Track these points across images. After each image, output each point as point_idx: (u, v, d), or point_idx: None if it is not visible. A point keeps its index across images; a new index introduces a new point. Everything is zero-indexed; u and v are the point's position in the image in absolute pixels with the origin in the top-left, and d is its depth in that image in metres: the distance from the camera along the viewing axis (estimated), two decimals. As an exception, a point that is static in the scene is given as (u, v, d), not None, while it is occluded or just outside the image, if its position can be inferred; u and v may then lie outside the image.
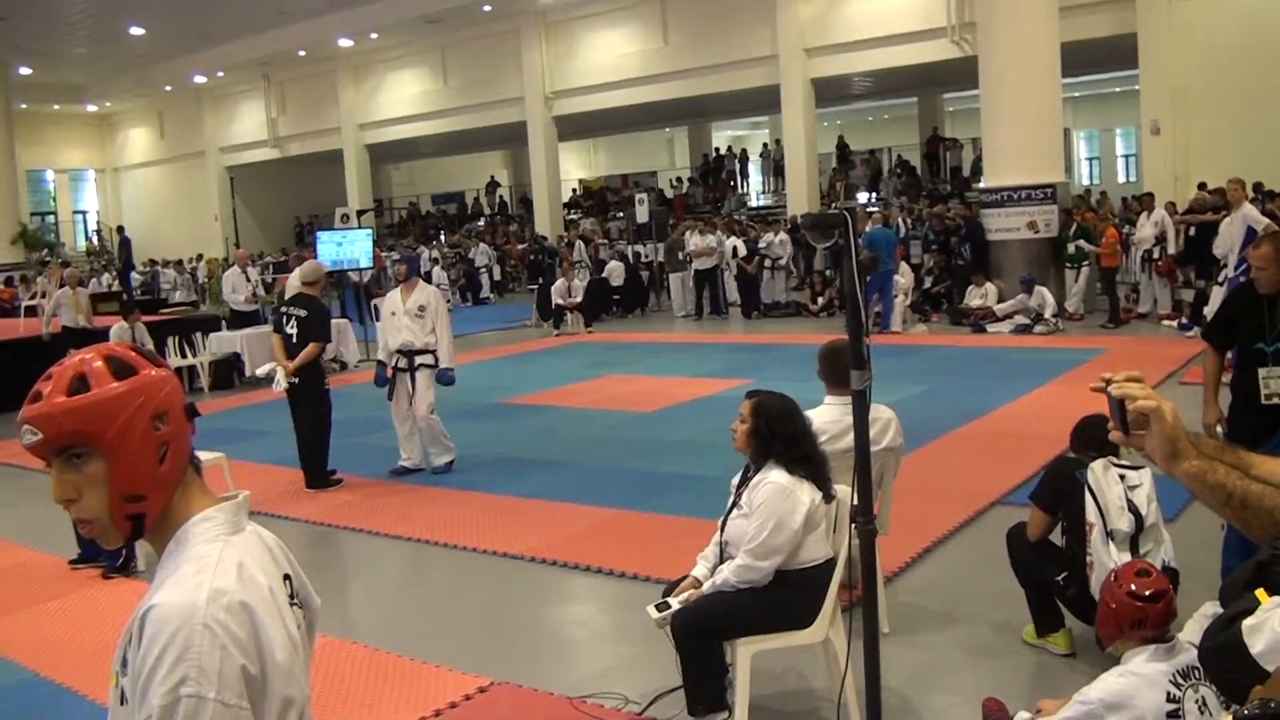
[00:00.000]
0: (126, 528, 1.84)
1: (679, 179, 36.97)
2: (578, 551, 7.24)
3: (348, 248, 19.26)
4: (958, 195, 25.86)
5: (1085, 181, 39.99)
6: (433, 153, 40.41)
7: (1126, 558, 4.72)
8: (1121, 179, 40.07)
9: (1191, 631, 4.22)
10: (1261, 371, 5.46)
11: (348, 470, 9.84)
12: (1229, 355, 5.96)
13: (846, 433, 5.00)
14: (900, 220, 22.99)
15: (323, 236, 19.56)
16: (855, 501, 3.67)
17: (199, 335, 16.44)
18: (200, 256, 32.77)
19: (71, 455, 1.80)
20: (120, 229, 35.75)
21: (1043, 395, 11.61)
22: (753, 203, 35.44)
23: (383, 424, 11.87)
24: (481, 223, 38.27)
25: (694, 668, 4.43)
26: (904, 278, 18.32)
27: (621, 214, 32.77)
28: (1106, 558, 4.74)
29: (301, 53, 34.23)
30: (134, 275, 32.11)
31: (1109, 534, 4.81)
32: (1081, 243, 17.47)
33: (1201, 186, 18.73)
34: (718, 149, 38.24)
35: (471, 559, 7.41)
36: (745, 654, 4.39)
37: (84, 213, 45.53)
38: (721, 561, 4.57)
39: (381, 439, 11.24)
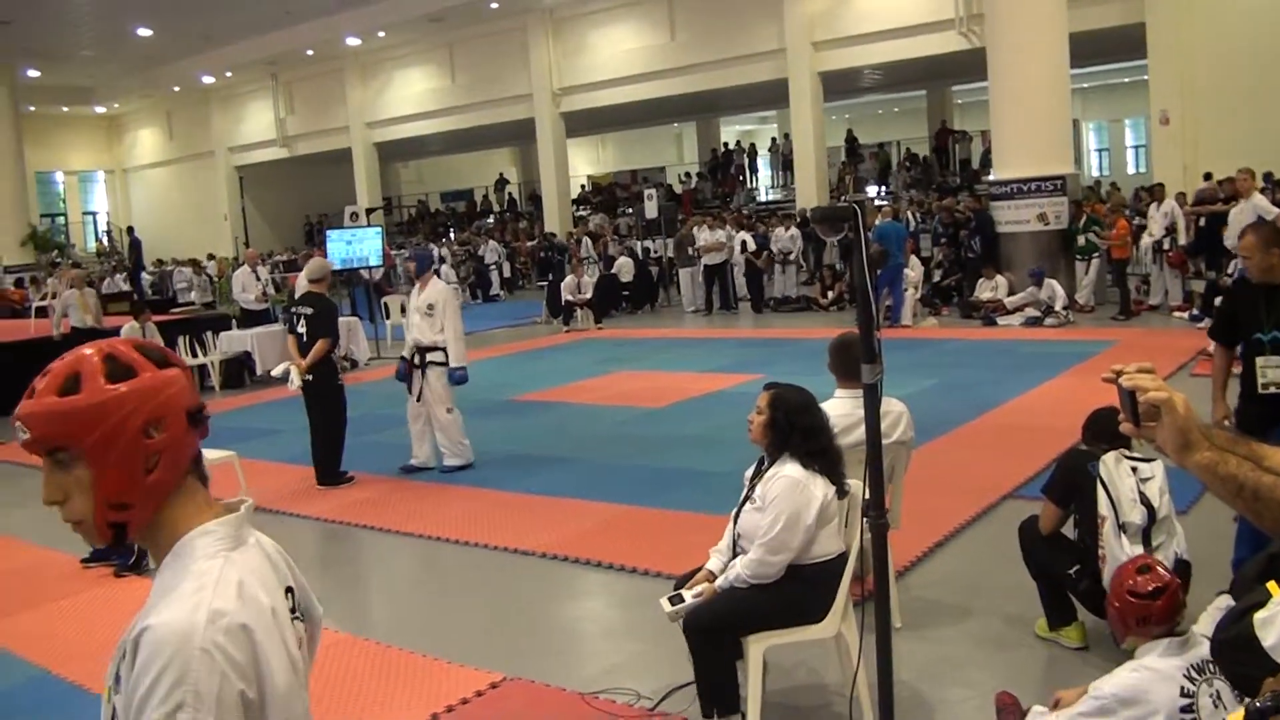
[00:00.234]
0: (108, 534, 1.78)
1: (688, 174, 36.97)
2: (588, 547, 7.24)
3: (357, 246, 19.28)
4: (967, 188, 25.82)
5: (1095, 173, 39.90)
6: (441, 150, 40.45)
7: (1139, 550, 4.70)
8: (1131, 170, 39.94)
9: (1205, 624, 4.20)
10: (1259, 361, 5.47)
11: (359, 468, 9.85)
12: (1239, 349, 5.94)
13: (857, 426, 4.99)
14: (910, 214, 22.95)
15: (332, 235, 19.58)
16: (867, 495, 3.66)
17: (209, 334, 16.46)
18: (211, 256, 32.82)
19: (59, 457, 1.74)
20: (130, 230, 35.86)
21: (1054, 388, 11.58)
22: (762, 197, 35.43)
23: (394, 422, 11.89)
24: (491, 220, 38.30)
25: (706, 669, 4.43)
26: (914, 271, 18.28)
27: (630, 210, 32.77)
28: (1119, 550, 4.73)
29: (309, 52, 34.28)
30: (144, 275, 32.17)
31: (1121, 526, 4.79)
32: (1092, 234, 17.41)
33: (1207, 177, 18.67)
34: (726, 144, 38.22)
35: (482, 555, 7.42)
36: (757, 650, 4.38)
37: (94, 214, 45.68)
38: (734, 555, 4.56)
39: (392, 437, 11.26)
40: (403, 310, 20.60)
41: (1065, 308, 16.63)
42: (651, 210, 25.28)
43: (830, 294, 20.69)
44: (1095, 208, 18.48)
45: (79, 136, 43.62)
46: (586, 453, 10.20)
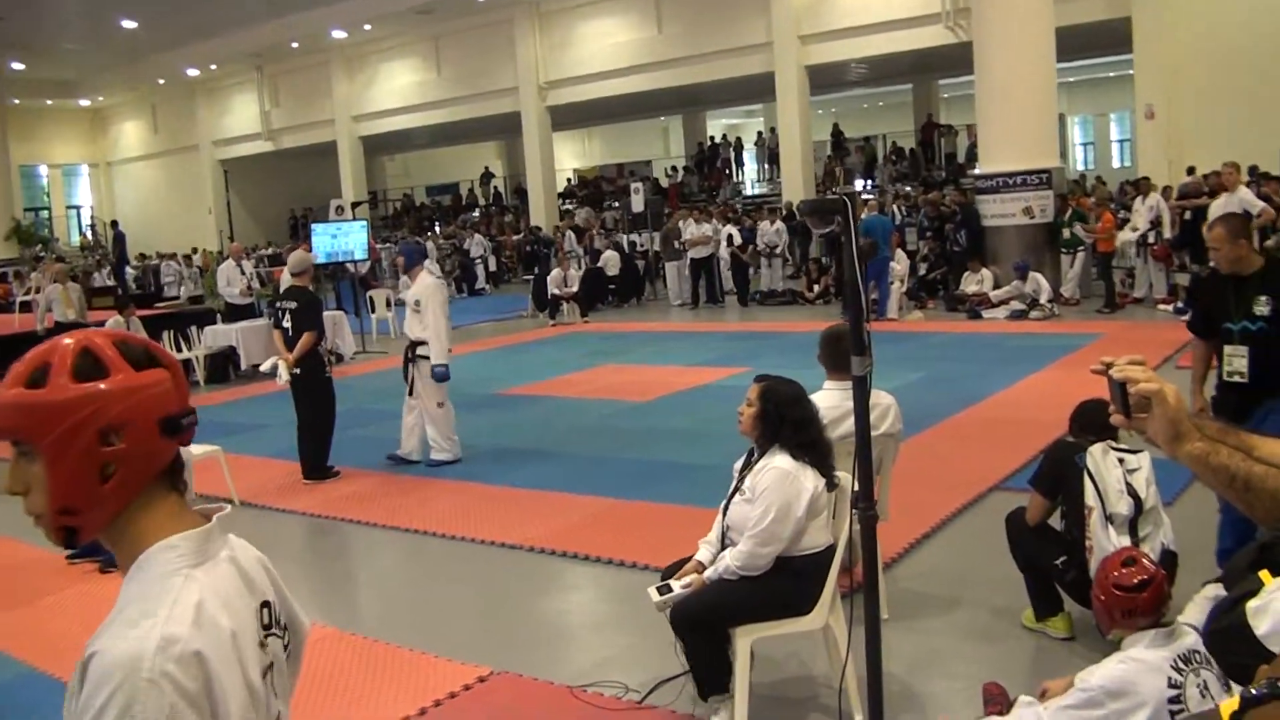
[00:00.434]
0: (60, 536, 1.71)
1: (674, 168, 36.94)
2: (576, 541, 7.24)
3: (343, 240, 19.25)
4: (953, 182, 25.85)
5: (1080, 167, 39.98)
6: (427, 144, 40.35)
7: (1126, 541, 4.72)
8: (1116, 164, 40.03)
9: (1192, 614, 4.21)
10: (1226, 350, 5.56)
11: (345, 463, 9.83)
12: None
13: (846, 418, 5.00)
14: (895, 207, 22.98)
15: (318, 229, 19.53)
16: (856, 487, 3.66)
17: (194, 329, 16.40)
18: (195, 250, 32.71)
19: (23, 448, 1.68)
20: (114, 223, 35.70)
21: (1039, 380, 11.61)
22: (748, 191, 35.41)
23: (380, 416, 11.90)
24: (476, 214, 38.19)
25: (699, 656, 4.45)
26: (900, 264, 18.32)
27: (617, 204, 32.74)
28: (1106, 541, 4.74)
29: (294, 45, 34.10)
30: (128, 270, 32.05)
31: (1108, 518, 4.81)
32: (1077, 228, 17.46)
33: (1191, 171, 18.73)
34: (712, 137, 38.18)
35: (470, 549, 7.41)
36: (744, 642, 4.38)
37: (78, 208, 45.44)
38: (723, 546, 4.57)
39: (378, 431, 11.24)
40: (388, 304, 20.71)
41: (1050, 301, 16.68)
42: (638, 204, 25.26)
43: (816, 287, 20.71)
44: (1080, 201, 18.52)
45: (63, 129, 43.38)
46: (573, 446, 10.20)
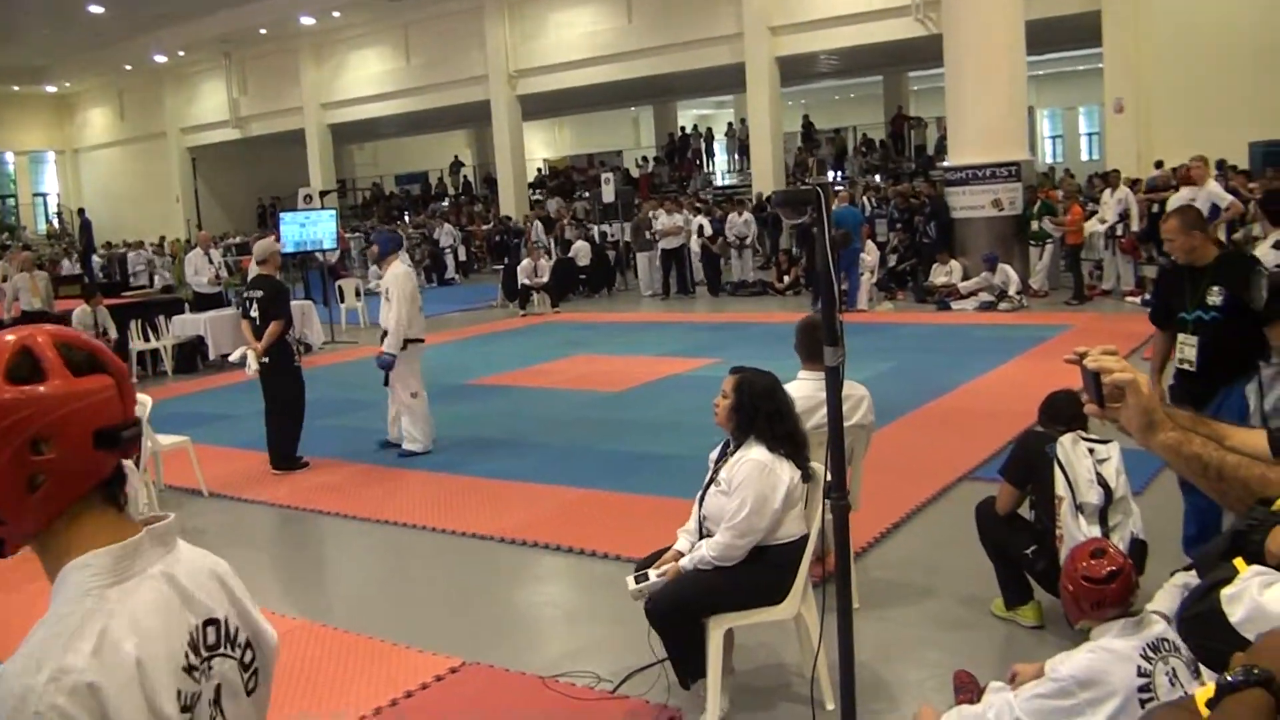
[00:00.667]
0: None
1: (645, 158, 36.91)
2: (548, 532, 7.23)
3: (311, 229, 19.12)
4: (922, 174, 25.94)
5: (1049, 160, 40.19)
6: (396, 133, 40.17)
7: (1096, 531, 4.76)
8: (1085, 157, 40.25)
9: (1161, 602, 4.25)
10: (1179, 338, 5.69)
11: (315, 453, 9.77)
12: None
13: (819, 408, 5.02)
14: (865, 199, 23.05)
15: (286, 218, 19.40)
16: (828, 477, 3.67)
17: (162, 318, 16.27)
18: (163, 239, 32.45)
19: None
20: (81, 211, 35.36)
21: (1008, 371, 11.68)
22: (718, 182, 35.44)
23: (349, 406, 11.87)
24: (446, 203, 38.07)
25: (676, 645, 4.46)
26: (870, 256, 18.37)
27: (587, 194, 32.69)
28: (1076, 531, 4.78)
29: (263, 31, 33.87)
30: (95, 258, 31.76)
31: (1078, 507, 4.84)
32: (1046, 221, 17.55)
33: (1159, 165, 18.86)
34: (683, 128, 38.20)
35: (441, 540, 7.39)
36: (717, 631, 4.39)
37: (45, 195, 45.01)
38: (700, 537, 4.57)
39: (348, 421, 11.22)
40: (357, 294, 20.62)
41: (1019, 292, 16.77)
42: (608, 194, 25.23)
43: (786, 278, 20.75)
44: (1049, 194, 18.62)
45: (29, 116, 42.90)
46: (545, 437, 10.18)
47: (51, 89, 42.06)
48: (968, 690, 4.30)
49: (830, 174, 31.28)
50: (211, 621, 1.68)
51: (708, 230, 22.28)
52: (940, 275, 17.86)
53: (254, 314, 9.45)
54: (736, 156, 35.93)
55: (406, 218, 36.10)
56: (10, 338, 1.60)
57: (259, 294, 9.53)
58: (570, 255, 23.56)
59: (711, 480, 4.57)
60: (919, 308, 17.64)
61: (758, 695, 4.78)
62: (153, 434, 8.49)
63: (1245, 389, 5.50)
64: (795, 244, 21.37)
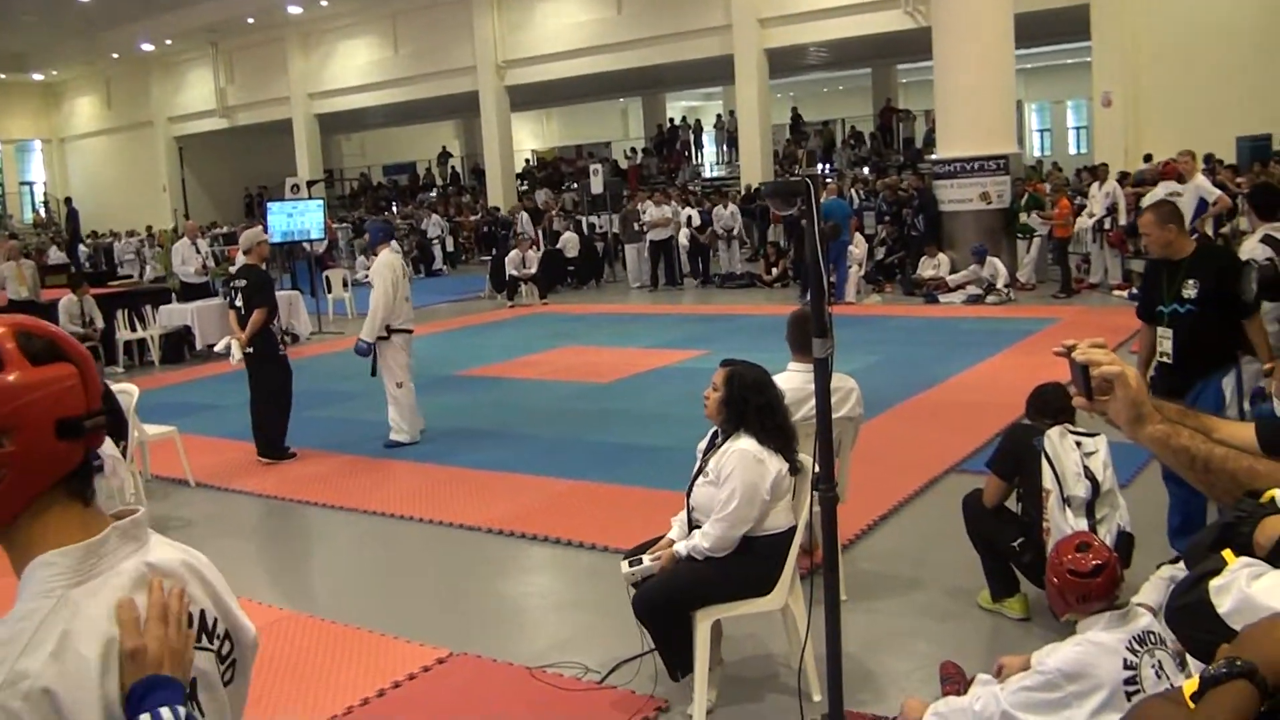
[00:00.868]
0: None
1: (633, 150, 36.87)
2: (536, 523, 7.23)
3: (299, 219, 19.07)
4: (910, 166, 25.96)
5: (1036, 153, 40.25)
6: (384, 123, 40.04)
7: (1083, 524, 4.77)
8: (1073, 150, 40.32)
9: (1148, 595, 4.27)
10: (1158, 332, 5.77)
11: (302, 443, 9.75)
12: None
13: (808, 400, 5.02)
14: (854, 191, 23.06)
15: (273, 208, 19.34)
16: (817, 469, 3.68)
17: (149, 308, 16.22)
18: (150, 228, 32.32)
19: None
20: (68, 200, 35.22)
21: (996, 364, 11.71)
22: (707, 174, 35.43)
23: (337, 397, 11.86)
24: (434, 194, 37.99)
25: (665, 640, 4.46)
26: (858, 248, 18.38)
27: (576, 185, 32.65)
28: (1063, 523, 4.80)
29: (250, 20, 33.73)
30: (81, 248, 31.63)
31: (1065, 500, 4.86)
32: (1035, 215, 17.57)
33: (1148, 159, 18.90)
34: (672, 120, 38.17)
35: (429, 531, 7.38)
36: (704, 623, 4.40)
37: (31, 184, 44.82)
38: (690, 527, 4.58)
39: (335, 412, 11.21)
40: (345, 284, 20.58)
41: (1007, 285, 16.80)
42: (597, 185, 25.20)
43: (774, 270, 20.76)
44: (1037, 187, 18.65)
45: (16, 104, 42.64)
46: (533, 428, 10.18)
47: (38, 77, 41.83)
48: (954, 681, 4.31)
49: (819, 166, 31.27)
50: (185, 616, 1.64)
51: (696, 221, 22.28)
52: (928, 268, 17.89)
53: (239, 303, 9.45)
54: (725, 148, 35.90)
55: (394, 208, 36.01)
56: None
57: (243, 283, 9.53)
58: (558, 247, 23.53)
59: (700, 471, 4.57)
60: (907, 300, 17.67)
61: (745, 686, 4.79)
62: (139, 424, 8.47)
63: (1221, 382, 5.55)
64: (784, 237, 21.38)
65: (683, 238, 22.10)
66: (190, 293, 17.14)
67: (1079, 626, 3.74)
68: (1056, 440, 4.95)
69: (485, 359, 14.25)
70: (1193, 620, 1.72)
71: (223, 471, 9.20)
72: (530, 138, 44.42)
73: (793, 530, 4.49)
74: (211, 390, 13.04)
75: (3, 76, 40.22)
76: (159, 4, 31.50)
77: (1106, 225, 17.08)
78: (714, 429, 4.65)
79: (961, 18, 17.88)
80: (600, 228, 25.51)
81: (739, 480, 4.33)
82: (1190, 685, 1.51)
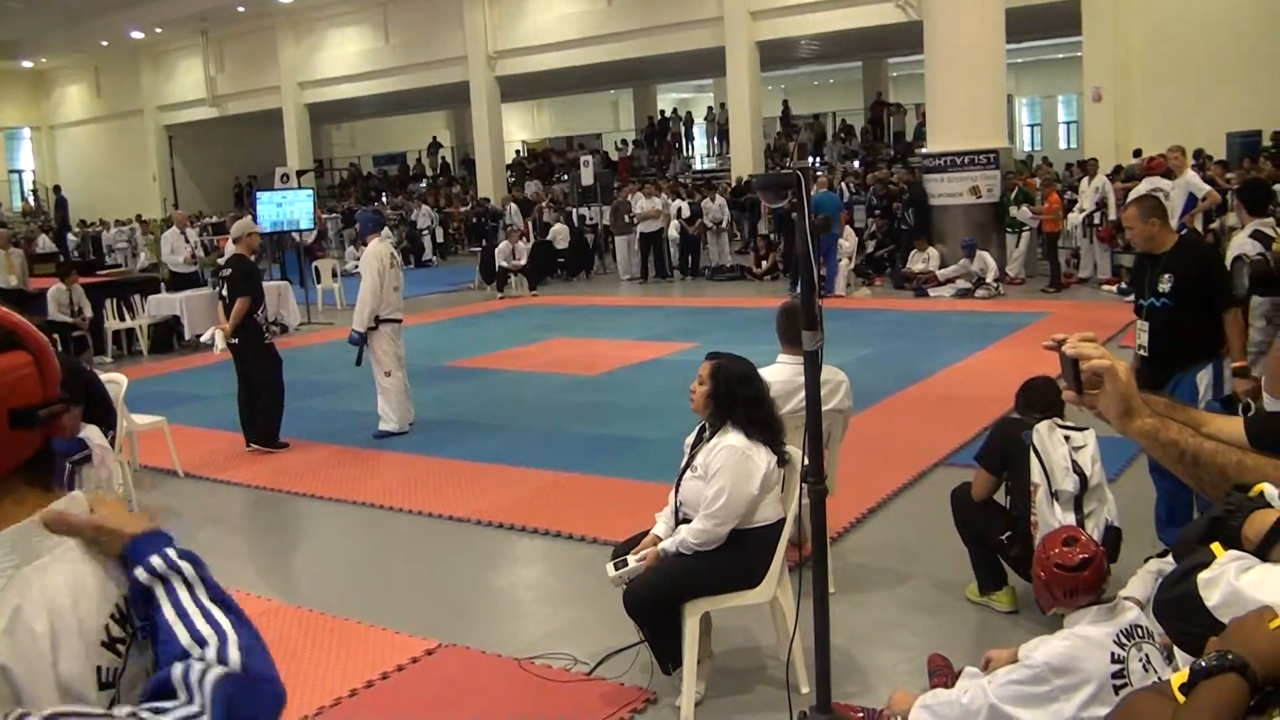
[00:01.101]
0: None
1: (624, 141, 36.85)
2: (525, 514, 7.22)
3: (288, 209, 19.02)
4: (901, 160, 25.98)
5: (1027, 148, 40.30)
6: (374, 113, 39.98)
7: (1071, 518, 4.78)
8: (1063, 145, 40.37)
9: (1135, 588, 4.29)
10: (1138, 324, 5.82)
11: (290, 434, 9.69)
12: None
13: (797, 392, 5.03)
14: (844, 185, 23.06)
15: (262, 197, 19.28)
16: (806, 461, 3.68)
17: (138, 297, 16.17)
18: (139, 217, 32.21)
19: None
20: (57, 189, 35.09)
21: (985, 358, 11.73)
22: (698, 166, 35.41)
23: (325, 388, 11.83)
24: (424, 184, 37.93)
25: (655, 634, 4.47)
26: (848, 241, 18.39)
27: (566, 176, 32.61)
28: (1051, 517, 4.81)
29: (240, 9, 33.59)
30: (70, 236, 31.51)
31: (1054, 494, 4.87)
32: (1025, 209, 17.59)
33: (1137, 154, 18.93)
34: (663, 111, 38.14)
35: (418, 522, 7.37)
36: (693, 616, 4.40)
37: (20, 172, 44.61)
38: (678, 521, 4.58)
39: (324, 403, 11.18)
40: (334, 275, 20.54)
41: (996, 280, 16.82)
42: (587, 177, 25.16)
43: (764, 263, 20.77)
44: (1027, 181, 18.68)
45: (5, 92, 42.47)
46: (522, 419, 10.17)
47: (28, 64, 41.64)
48: (942, 674, 4.32)
49: (809, 159, 31.28)
50: None
51: (685, 214, 22.27)
52: (918, 262, 17.90)
53: (224, 292, 9.44)
54: (716, 141, 35.90)
55: (384, 199, 35.94)
56: None
57: (229, 272, 9.53)
58: (548, 238, 23.50)
59: (688, 465, 4.58)
60: (896, 294, 17.69)
61: (733, 678, 4.80)
62: (128, 414, 8.44)
63: (1196, 375, 5.56)
64: (774, 229, 21.38)
65: (672, 230, 22.09)
66: (179, 282, 17.08)
67: (1066, 620, 3.75)
68: (1045, 434, 4.96)
69: (474, 350, 14.23)
70: (1181, 613, 1.72)
71: (211, 462, 9.18)
72: (521, 129, 44.34)
73: (781, 523, 4.49)
74: (200, 380, 13.01)
75: (-8, 63, 40.10)
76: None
77: (1096, 220, 17.11)
78: (701, 423, 4.65)
79: (953, 12, 17.88)
80: (590, 219, 25.49)
81: (727, 477, 4.33)
82: (1179, 678, 1.52)
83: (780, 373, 5.33)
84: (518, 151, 40.00)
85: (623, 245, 22.54)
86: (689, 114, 37.89)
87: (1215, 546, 1.74)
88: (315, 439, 9.78)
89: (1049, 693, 3.50)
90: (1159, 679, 3.29)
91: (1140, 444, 2.07)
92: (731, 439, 4.41)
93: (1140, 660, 3.47)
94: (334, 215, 31.57)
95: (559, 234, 23.54)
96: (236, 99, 37.07)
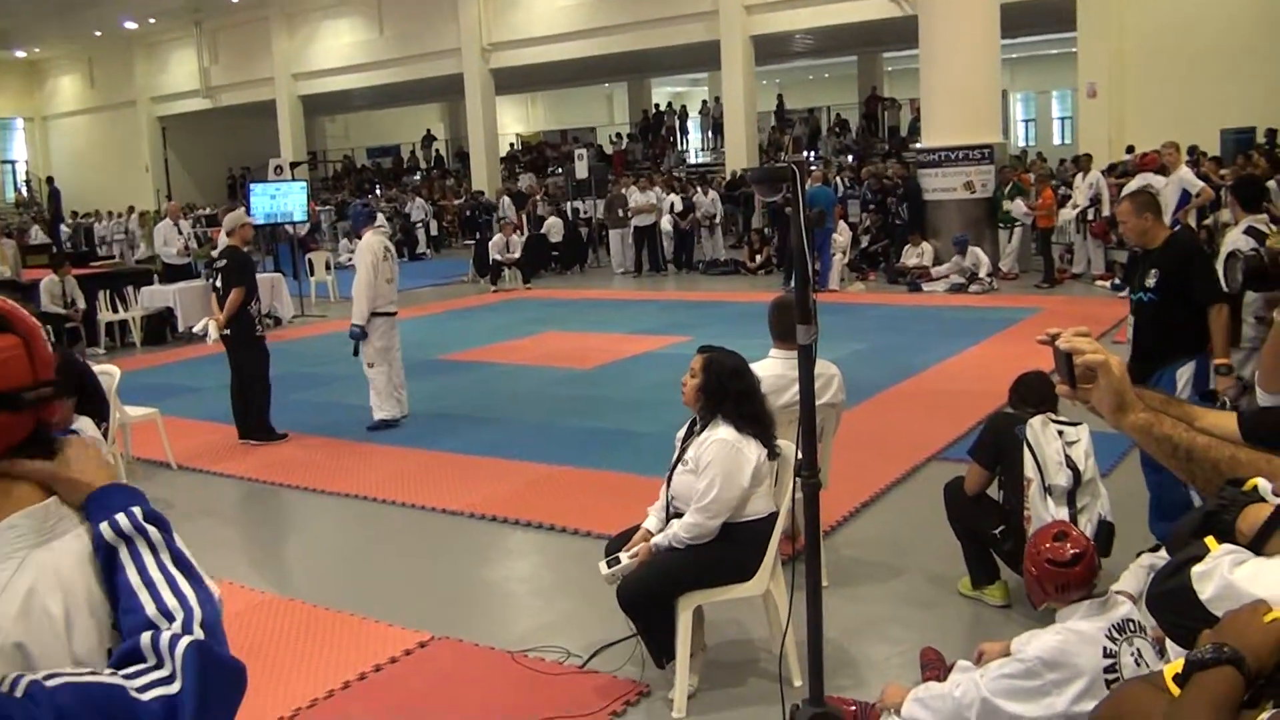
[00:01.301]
0: None
1: (619, 135, 36.80)
2: (517, 507, 7.23)
3: (281, 201, 18.99)
4: (895, 155, 25.98)
5: (1021, 143, 40.31)
6: (368, 105, 39.87)
7: (1064, 513, 4.79)
8: (1057, 141, 40.37)
9: (1127, 582, 4.30)
10: (1128, 319, 5.86)
11: (283, 427, 9.68)
12: None
13: (789, 387, 5.03)
14: (838, 179, 23.06)
15: (256, 189, 19.24)
16: (800, 455, 3.68)
17: (131, 289, 16.12)
18: (132, 208, 32.12)
19: None
20: (50, 180, 34.99)
21: (978, 353, 11.74)
22: (692, 160, 35.39)
23: (318, 380, 11.83)
24: (418, 177, 37.87)
25: (649, 628, 4.48)
26: (842, 236, 18.40)
27: (560, 170, 32.58)
28: (1044, 512, 4.82)
29: (234, 0, 33.55)
30: (63, 228, 31.43)
31: (1047, 489, 4.88)
32: (1019, 202, 17.61)
33: (1129, 150, 18.94)
34: (657, 105, 38.10)
35: (410, 515, 7.37)
36: (686, 609, 4.40)
37: (13, 162, 44.46)
38: (669, 515, 4.58)
39: (317, 395, 11.18)
40: (327, 267, 20.51)
41: (989, 275, 16.84)
42: (582, 170, 25.15)
43: (758, 258, 20.76)
44: (1021, 176, 18.68)
45: (-2, 81, 42.46)
46: (515, 413, 10.17)
47: (21, 54, 41.47)
48: (934, 668, 4.33)
49: (804, 154, 31.27)
50: None
51: (678, 207, 22.26)
52: (912, 257, 17.92)
53: (218, 284, 9.43)
54: (710, 134, 35.87)
55: (378, 191, 35.88)
56: None
57: (222, 264, 9.53)
58: (543, 231, 23.48)
59: (679, 459, 4.58)
60: (890, 289, 17.69)
61: (726, 671, 4.80)
62: (121, 406, 8.43)
63: (1176, 371, 5.57)
64: (768, 224, 21.37)
65: (665, 224, 22.08)
66: (172, 274, 17.07)
67: (1058, 615, 3.75)
68: (1038, 429, 4.97)
69: (468, 343, 14.22)
70: (1174, 606, 1.73)
71: (204, 454, 9.17)
72: (515, 122, 44.30)
73: (774, 516, 4.50)
74: (193, 372, 12.98)
75: (-16, 53, 39.96)
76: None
77: (1090, 216, 17.12)
78: (692, 418, 4.66)
79: (948, 6, 17.88)
80: (584, 213, 25.46)
81: (718, 470, 4.34)
82: (1172, 669, 1.52)
83: (772, 367, 5.33)
84: (512, 144, 39.94)
85: (616, 239, 22.54)
86: (683, 108, 37.85)
87: (1209, 540, 1.74)
88: (309, 431, 9.77)
89: (1041, 687, 3.51)
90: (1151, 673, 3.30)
91: (1133, 439, 2.08)
92: (722, 432, 4.42)
93: (1132, 654, 3.48)
94: (327, 208, 31.50)
95: (553, 227, 23.52)
96: (230, 90, 36.97)
